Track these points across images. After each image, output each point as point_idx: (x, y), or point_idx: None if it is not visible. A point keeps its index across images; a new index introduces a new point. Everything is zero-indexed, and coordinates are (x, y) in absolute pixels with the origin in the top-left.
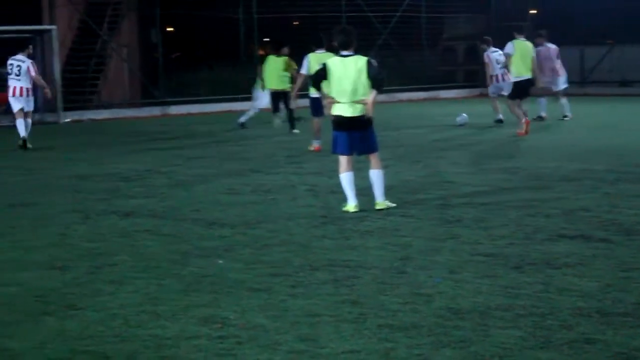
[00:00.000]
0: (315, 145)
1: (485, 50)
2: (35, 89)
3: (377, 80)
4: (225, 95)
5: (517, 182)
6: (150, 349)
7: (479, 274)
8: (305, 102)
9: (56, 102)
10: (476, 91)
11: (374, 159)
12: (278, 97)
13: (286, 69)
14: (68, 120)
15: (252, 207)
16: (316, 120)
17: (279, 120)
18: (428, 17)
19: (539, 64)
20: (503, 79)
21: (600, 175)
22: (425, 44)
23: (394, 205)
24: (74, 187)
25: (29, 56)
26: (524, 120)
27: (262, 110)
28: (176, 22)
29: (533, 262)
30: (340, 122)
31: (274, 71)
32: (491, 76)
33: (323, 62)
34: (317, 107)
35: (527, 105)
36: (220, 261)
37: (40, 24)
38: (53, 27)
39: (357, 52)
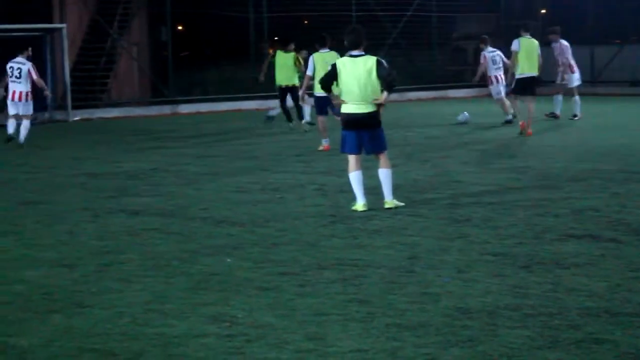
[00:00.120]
0: (324, 144)
1: (482, 50)
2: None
3: (389, 81)
4: (234, 94)
5: (525, 181)
6: (158, 347)
7: (487, 273)
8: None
9: (66, 100)
10: (485, 91)
11: (382, 158)
12: (286, 92)
13: (295, 64)
14: (77, 118)
15: (261, 206)
16: (321, 119)
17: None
18: (438, 17)
19: (554, 60)
20: (497, 81)
21: (610, 175)
22: (435, 44)
23: (403, 204)
24: (82, 186)
25: (29, 58)
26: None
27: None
28: (186, 20)
29: (542, 262)
30: (349, 121)
31: (283, 67)
32: (489, 77)
33: (332, 62)
34: (322, 105)
35: (539, 103)
36: (229, 260)
37: (51, 22)
38: (63, 25)
39: (367, 51)
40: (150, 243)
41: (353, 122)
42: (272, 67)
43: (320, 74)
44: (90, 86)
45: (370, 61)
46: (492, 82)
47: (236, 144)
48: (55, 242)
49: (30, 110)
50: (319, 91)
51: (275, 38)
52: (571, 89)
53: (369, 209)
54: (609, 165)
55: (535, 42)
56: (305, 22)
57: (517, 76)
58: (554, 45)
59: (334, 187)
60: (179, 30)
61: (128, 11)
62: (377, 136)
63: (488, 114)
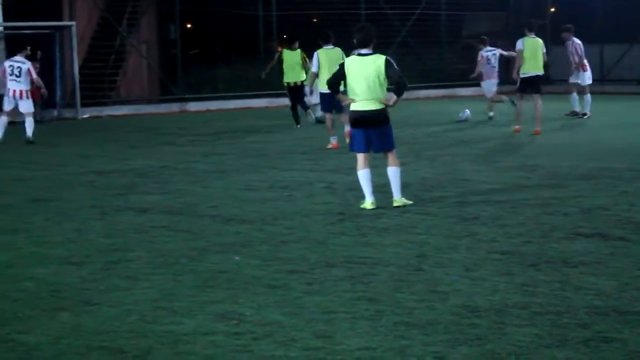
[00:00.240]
0: (332, 142)
1: (480, 50)
2: (55, 85)
3: (399, 84)
4: (243, 92)
5: (534, 180)
6: (166, 344)
7: (495, 271)
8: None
9: (75, 98)
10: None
11: (391, 156)
12: (295, 90)
13: (302, 62)
14: (86, 116)
15: (270, 204)
16: (328, 117)
17: (312, 115)
18: (447, 15)
19: (567, 58)
20: (488, 77)
21: (618, 174)
22: (444, 42)
23: (411, 202)
24: (91, 183)
25: (27, 57)
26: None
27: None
28: (195, 18)
29: (550, 261)
30: (357, 119)
31: (291, 65)
32: (481, 74)
33: (336, 58)
34: (328, 102)
35: (553, 103)
36: (237, 257)
37: (60, 20)
38: (73, 23)
39: (376, 50)
40: (159, 241)
41: (361, 120)
42: (279, 65)
43: (324, 70)
44: (99, 84)
45: (380, 60)
46: (482, 79)
47: (245, 142)
48: (63, 239)
49: (30, 107)
50: (324, 88)
51: (284, 36)
52: (583, 87)
53: (378, 207)
54: (617, 164)
55: (540, 41)
56: (314, 20)
57: (522, 75)
58: (567, 43)
59: (342, 185)
60: (188, 28)
61: (137, 9)
62: (385, 134)
63: (497, 112)
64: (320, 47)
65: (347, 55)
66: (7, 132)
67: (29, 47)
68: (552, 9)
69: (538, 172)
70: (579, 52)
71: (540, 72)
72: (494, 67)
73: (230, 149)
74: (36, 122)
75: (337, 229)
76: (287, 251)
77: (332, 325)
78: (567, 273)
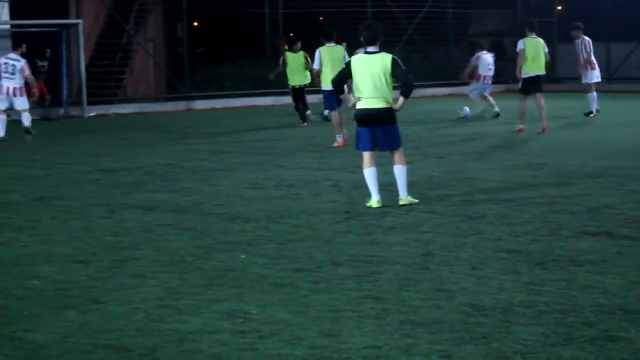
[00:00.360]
0: (339, 140)
1: (478, 52)
2: (61, 83)
3: (407, 85)
4: (250, 90)
5: (541, 178)
6: (172, 343)
7: (501, 270)
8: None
9: (81, 96)
10: (502, 87)
11: (397, 154)
12: (299, 92)
13: (306, 62)
14: (93, 114)
15: (276, 202)
16: (334, 114)
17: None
18: (454, 13)
19: (577, 57)
20: (485, 80)
21: (625, 172)
22: (450, 40)
23: (417, 201)
24: (97, 181)
25: (22, 55)
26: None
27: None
28: (202, 16)
29: (556, 259)
30: (364, 117)
31: (294, 67)
32: (478, 74)
33: (338, 56)
34: (332, 99)
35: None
36: (243, 256)
37: (67, 18)
38: (79, 21)
39: (382, 48)
40: (165, 239)
41: (367, 118)
42: (283, 67)
43: (327, 67)
44: (105, 82)
45: (387, 59)
46: (478, 80)
47: (251, 140)
48: (70, 237)
49: (25, 104)
50: (326, 85)
51: (291, 34)
52: (590, 85)
53: (384, 206)
54: (624, 162)
55: (541, 41)
56: (321, 18)
57: (524, 76)
58: (576, 42)
59: (348, 183)
60: (195, 26)
61: (144, 7)
62: (391, 132)
63: (504, 110)
64: (322, 44)
65: (350, 55)
66: (10, 131)
67: (24, 45)
68: (559, 7)
69: (544, 171)
70: (587, 50)
71: (542, 72)
72: (491, 69)
73: (237, 147)
74: (45, 119)
75: (343, 228)
76: (293, 249)
77: (338, 324)
78: (573, 272)
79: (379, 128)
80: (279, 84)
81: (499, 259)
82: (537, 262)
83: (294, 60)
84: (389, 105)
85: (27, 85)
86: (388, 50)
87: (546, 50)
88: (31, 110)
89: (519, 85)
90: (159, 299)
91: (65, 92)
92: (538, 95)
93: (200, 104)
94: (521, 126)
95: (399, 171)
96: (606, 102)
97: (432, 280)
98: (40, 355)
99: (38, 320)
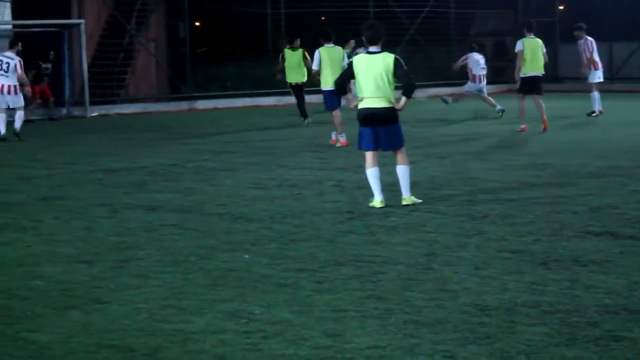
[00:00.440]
0: (341, 140)
1: (468, 52)
2: (64, 84)
3: (408, 85)
4: (252, 90)
5: (543, 178)
6: (175, 343)
7: (505, 270)
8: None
9: (83, 96)
10: (503, 87)
11: (400, 154)
12: (298, 89)
13: (304, 61)
14: (95, 114)
15: (279, 202)
16: (335, 114)
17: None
18: (456, 13)
19: (580, 57)
20: (480, 80)
21: (628, 172)
22: (452, 40)
23: (420, 201)
24: (100, 181)
25: (18, 53)
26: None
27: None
28: (204, 16)
29: (559, 259)
30: (366, 117)
31: (293, 65)
32: (474, 75)
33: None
34: (331, 100)
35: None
36: (246, 256)
37: (69, 18)
38: (81, 21)
39: (384, 48)
40: (168, 239)
41: (370, 117)
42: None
43: (326, 68)
44: (107, 82)
45: (389, 58)
46: (476, 81)
47: (254, 140)
48: (73, 238)
49: (21, 102)
50: (325, 86)
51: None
52: (592, 85)
53: (387, 206)
54: (627, 162)
55: (539, 41)
56: (323, 18)
57: (522, 76)
58: (580, 42)
59: (351, 183)
60: (197, 26)
61: (146, 7)
62: (394, 132)
63: (507, 109)
64: (321, 45)
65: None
66: (12, 131)
67: (20, 43)
68: (561, 7)
69: (547, 171)
70: (589, 49)
71: (541, 72)
72: (484, 68)
73: (239, 147)
74: (50, 119)
75: (346, 228)
76: (296, 249)
77: (341, 324)
78: (576, 272)
79: (381, 128)
80: (281, 84)
81: (502, 259)
82: (540, 262)
83: (292, 57)
84: (391, 105)
85: (21, 85)
86: (390, 50)
87: (544, 50)
88: (35, 111)
89: (518, 85)
90: (163, 299)
91: (67, 92)
92: (537, 96)
93: (202, 104)
94: (523, 126)
95: (402, 171)
96: (608, 102)
97: (435, 280)
98: (44, 355)
99: (42, 321)
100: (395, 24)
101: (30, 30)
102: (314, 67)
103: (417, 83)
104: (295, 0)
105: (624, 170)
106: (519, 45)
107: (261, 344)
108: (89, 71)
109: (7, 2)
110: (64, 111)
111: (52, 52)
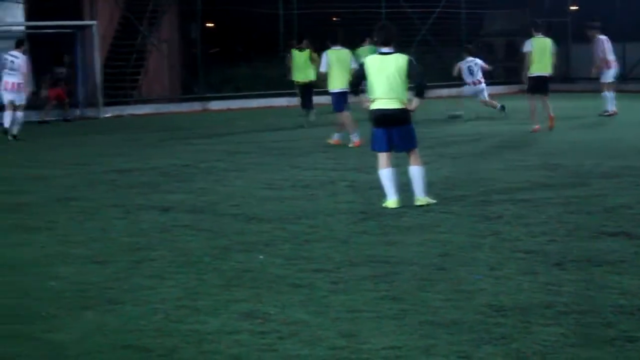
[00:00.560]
0: (354, 140)
1: (463, 59)
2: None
3: (420, 85)
4: (264, 90)
5: (557, 179)
6: (191, 343)
7: (519, 271)
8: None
9: (97, 97)
10: (515, 87)
11: (413, 155)
12: (305, 89)
13: (311, 61)
14: (108, 115)
15: (292, 203)
16: (345, 115)
17: (314, 116)
18: (467, 14)
19: (595, 56)
20: (474, 84)
21: None
22: (464, 40)
23: (434, 201)
24: (113, 182)
25: (24, 53)
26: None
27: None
28: (216, 17)
29: (574, 260)
30: (379, 118)
31: (299, 65)
32: (467, 82)
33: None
34: (340, 101)
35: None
36: (261, 256)
37: (82, 19)
38: (94, 22)
39: (396, 49)
40: (182, 240)
41: (383, 118)
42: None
43: (334, 70)
44: (120, 83)
45: (402, 59)
46: (470, 85)
47: (267, 141)
48: (87, 238)
49: (23, 100)
50: (333, 88)
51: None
52: (603, 84)
53: (401, 206)
54: None
55: (548, 40)
56: (334, 18)
57: (529, 75)
58: (594, 40)
59: (364, 183)
60: (209, 27)
61: (158, 8)
62: (407, 133)
63: (519, 109)
64: (328, 47)
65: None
66: (26, 131)
67: (25, 42)
68: (573, 7)
69: (560, 171)
70: (601, 48)
71: (548, 72)
72: (476, 75)
73: (252, 147)
74: (64, 120)
75: (360, 228)
76: (311, 250)
77: (357, 325)
78: (591, 272)
79: (394, 129)
80: (293, 84)
81: (517, 259)
82: (555, 263)
83: (300, 57)
84: (403, 106)
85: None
86: (402, 51)
87: (553, 50)
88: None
89: (526, 86)
90: (177, 299)
91: (81, 93)
92: (543, 97)
93: (215, 105)
94: (536, 126)
95: (416, 172)
96: (621, 102)
97: (450, 280)
98: (60, 355)
99: (57, 321)
100: (407, 24)
101: (43, 31)
102: (322, 69)
103: (429, 84)
104: (307, 1)
105: (638, 170)
106: (526, 46)
107: (277, 344)
108: (102, 72)
109: (20, 3)
110: (77, 112)
111: (66, 56)
